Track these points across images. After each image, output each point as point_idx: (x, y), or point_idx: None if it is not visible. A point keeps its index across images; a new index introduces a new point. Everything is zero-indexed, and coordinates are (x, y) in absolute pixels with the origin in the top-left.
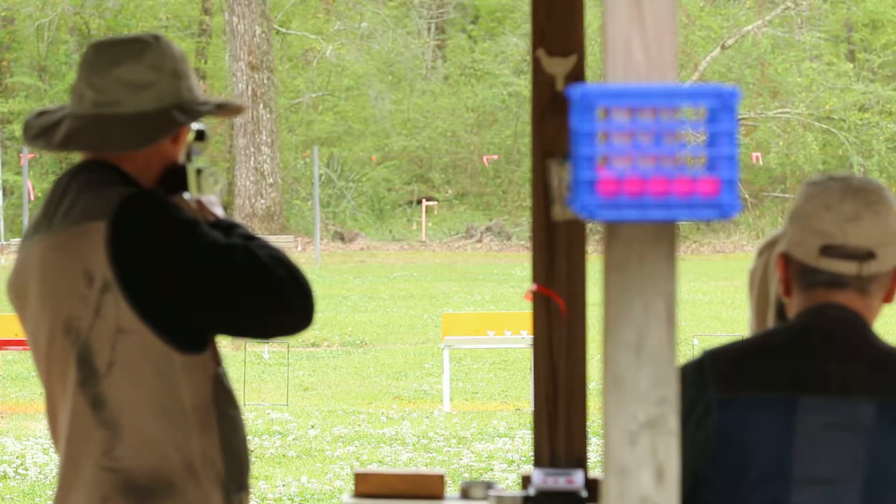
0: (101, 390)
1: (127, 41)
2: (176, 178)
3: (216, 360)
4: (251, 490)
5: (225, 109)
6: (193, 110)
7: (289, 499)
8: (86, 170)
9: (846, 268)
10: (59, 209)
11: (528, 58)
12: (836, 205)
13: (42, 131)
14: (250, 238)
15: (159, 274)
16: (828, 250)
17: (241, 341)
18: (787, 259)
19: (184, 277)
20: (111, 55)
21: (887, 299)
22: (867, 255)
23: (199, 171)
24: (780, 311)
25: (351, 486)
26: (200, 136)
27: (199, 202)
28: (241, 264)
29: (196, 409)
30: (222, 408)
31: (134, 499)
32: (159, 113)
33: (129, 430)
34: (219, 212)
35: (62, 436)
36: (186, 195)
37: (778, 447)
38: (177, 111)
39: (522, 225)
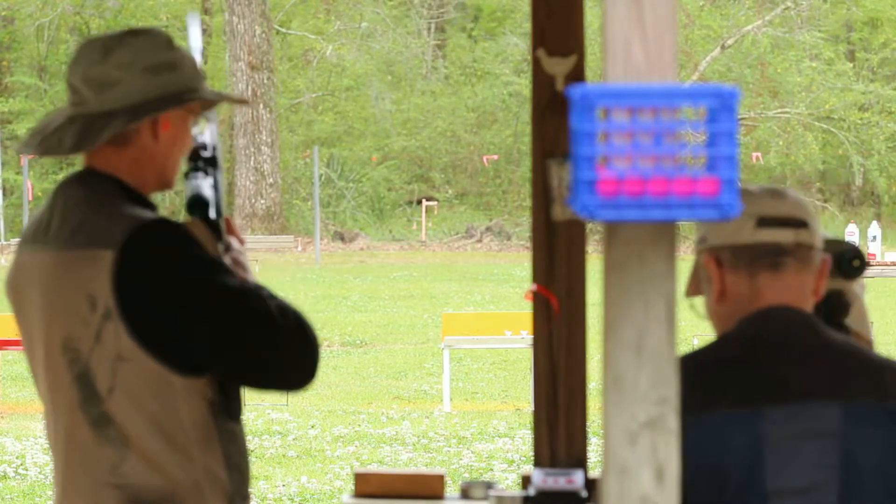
0: (104, 410)
1: (105, 37)
2: (199, 208)
3: (216, 379)
4: (251, 496)
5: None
6: (149, 109)
7: (289, 499)
8: (85, 181)
9: (784, 236)
10: (57, 221)
11: (529, 57)
12: (756, 194)
13: (41, 141)
14: (260, 288)
15: (164, 312)
16: (764, 221)
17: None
18: (717, 257)
19: (189, 319)
20: (87, 52)
21: (816, 293)
22: (801, 223)
23: (214, 187)
24: None
25: (351, 486)
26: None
27: (228, 221)
28: (249, 312)
29: (196, 427)
30: (222, 423)
31: None
32: (122, 111)
33: (135, 449)
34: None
35: (60, 448)
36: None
37: (749, 462)
38: (138, 110)
39: (522, 225)
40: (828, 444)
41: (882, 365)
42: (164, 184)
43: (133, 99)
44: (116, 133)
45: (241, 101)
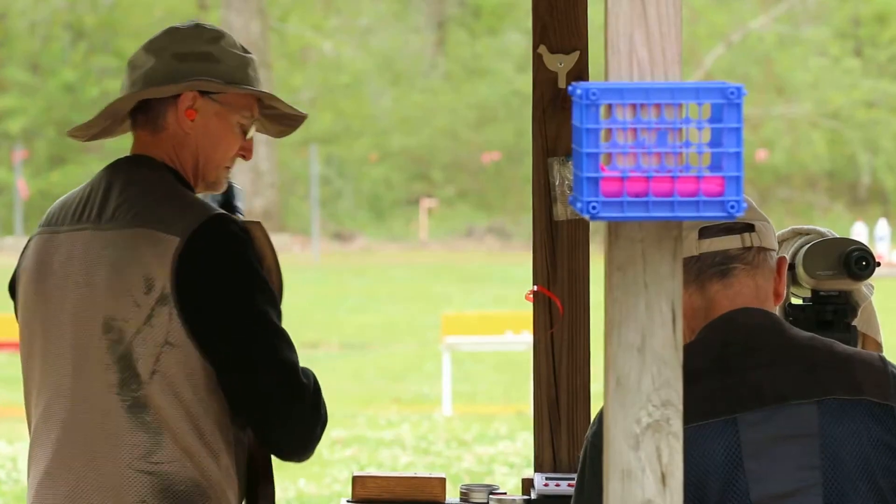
0: (143, 394)
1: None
2: (226, 194)
3: None
4: None
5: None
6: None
7: (286, 503)
8: (142, 165)
9: (730, 242)
10: (115, 202)
11: (531, 54)
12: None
13: None
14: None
15: (215, 304)
16: (706, 231)
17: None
18: None
19: (233, 318)
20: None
21: (777, 295)
22: (746, 227)
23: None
24: (785, 310)
25: (349, 489)
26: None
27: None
28: (278, 351)
29: (220, 428)
30: (237, 431)
31: (172, 503)
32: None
33: (170, 437)
34: None
35: (79, 436)
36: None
37: (730, 472)
38: (142, 91)
39: (524, 224)
40: (808, 445)
41: (851, 358)
42: (205, 181)
43: (150, 80)
44: (148, 116)
45: (293, 114)
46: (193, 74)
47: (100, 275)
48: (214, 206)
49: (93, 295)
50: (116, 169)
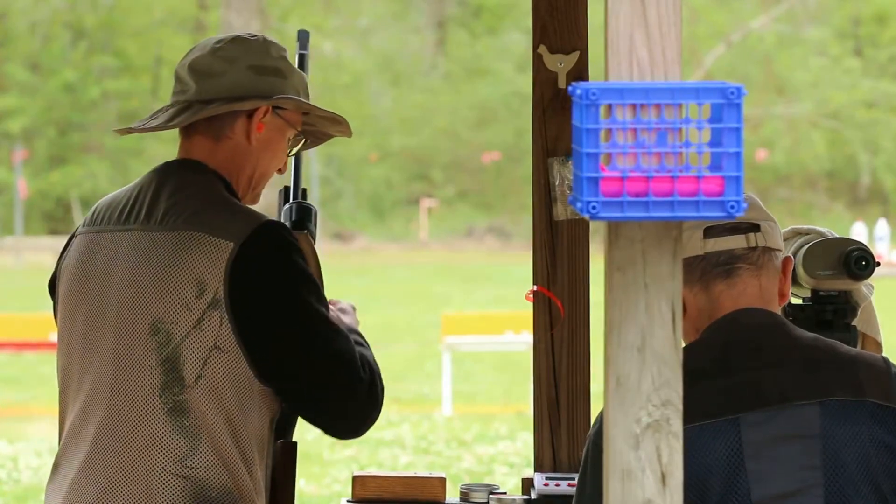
0: (185, 398)
1: (221, 36)
2: (302, 214)
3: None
4: None
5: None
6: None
7: None
8: (193, 169)
9: (735, 242)
10: (165, 204)
11: (531, 54)
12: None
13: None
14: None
15: (266, 311)
16: (711, 230)
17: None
18: None
19: (284, 325)
20: (198, 47)
21: (782, 295)
22: (751, 227)
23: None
24: (784, 310)
25: (349, 489)
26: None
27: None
28: (337, 349)
29: (258, 439)
30: (272, 442)
31: None
32: (219, 100)
33: (208, 443)
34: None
35: (116, 436)
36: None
37: (731, 472)
38: (231, 102)
39: (524, 224)
40: (810, 445)
41: (854, 359)
42: (254, 192)
43: (232, 91)
44: (212, 123)
45: (340, 130)
46: (276, 89)
47: (147, 276)
48: (264, 214)
49: (139, 296)
50: (167, 172)
